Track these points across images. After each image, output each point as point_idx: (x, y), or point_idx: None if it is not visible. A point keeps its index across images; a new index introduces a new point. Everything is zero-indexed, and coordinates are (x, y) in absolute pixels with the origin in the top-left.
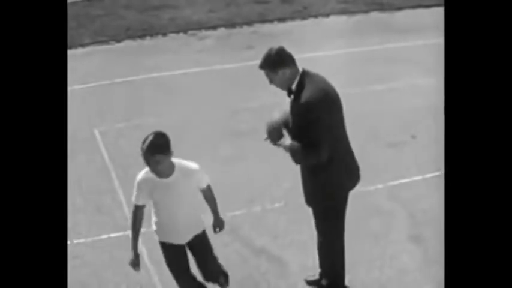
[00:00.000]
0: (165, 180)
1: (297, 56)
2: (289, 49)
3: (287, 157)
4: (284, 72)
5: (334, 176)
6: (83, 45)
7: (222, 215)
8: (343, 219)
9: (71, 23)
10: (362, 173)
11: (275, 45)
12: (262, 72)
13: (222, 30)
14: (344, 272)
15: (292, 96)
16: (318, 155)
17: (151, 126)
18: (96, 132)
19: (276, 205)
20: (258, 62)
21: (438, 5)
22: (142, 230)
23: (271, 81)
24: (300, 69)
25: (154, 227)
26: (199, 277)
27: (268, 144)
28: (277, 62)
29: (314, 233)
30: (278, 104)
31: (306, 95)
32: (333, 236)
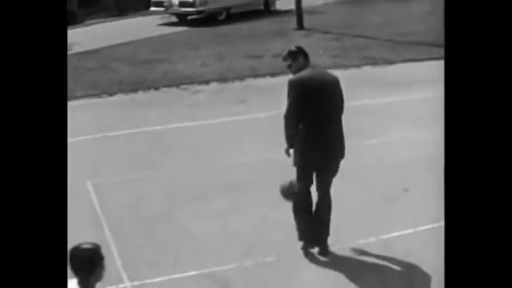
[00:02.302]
0: None
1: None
2: (280, 103)
3: (278, 209)
4: (299, 60)
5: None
6: (75, 98)
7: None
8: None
9: None
10: (355, 225)
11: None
12: (254, 127)
13: (214, 85)
14: None
15: None
16: (286, 128)
17: (144, 180)
18: (89, 185)
19: (269, 259)
20: (250, 116)
21: (430, 59)
22: None
23: (289, 67)
24: (310, 63)
25: None
26: None
27: (260, 198)
28: (296, 53)
29: None
30: (271, 159)
31: (293, 76)
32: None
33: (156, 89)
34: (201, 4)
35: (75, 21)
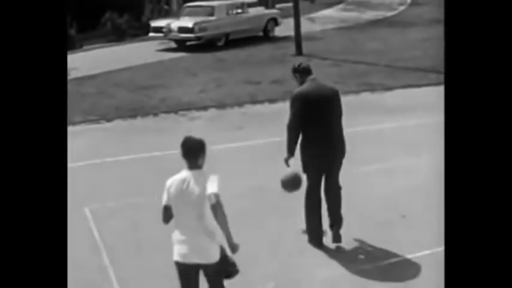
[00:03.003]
0: None
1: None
2: (278, 130)
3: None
4: (303, 74)
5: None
6: (73, 124)
7: None
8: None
9: None
10: (353, 251)
11: (304, 62)
12: (253, 153)
13: (212, 111)
14: None
15: None
16: (288, 136)
17: (142, 206)
18: (87, 211)
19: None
20: (248, 142)
21: (428, 85)
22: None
23: (296, 78)
24: (312, 76)
25: None
26: None
27: (256, 226)
28: (302, 70)
29: None
30: (270, 185)
31: (296, 89)
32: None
33: (155, 115)
34: (200, 30)
35: (73, 46)
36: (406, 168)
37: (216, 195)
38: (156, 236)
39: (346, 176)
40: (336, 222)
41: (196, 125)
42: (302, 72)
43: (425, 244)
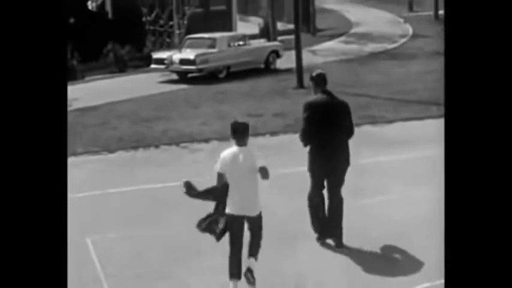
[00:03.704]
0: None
1: (287, 170)
2: (280, 162)
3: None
4: (319, 86)
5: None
6: (75, 155)
7: None
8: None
9: None
10: (355, 284)
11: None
12: None
13: (214, 143)
14: None
15: None
16: (301, 139)
17: (143, 237)
18: (89, 242)
19: None
20: None
21: (429, 117)
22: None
23: (312, 88)
24: (326, 87)
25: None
26: None
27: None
28: (316, 78)
29: None
30: (270, 215)
31: (309, 98)
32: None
33: (156, 146)
34: (202, 62)
35: (75, 77)
36: (407, 200)
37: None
38: (157, 266)
39: (346, 207)
40: (336, 233)
41: (198, 157)
42: (317, 81)
43: (425, 276)
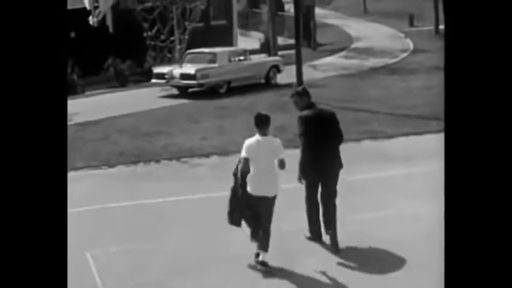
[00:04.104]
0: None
1: (289, 185)
2: (281, 178)
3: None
4: (304, 100)
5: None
6: (75, 169)
7: None
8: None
9: None
10: None
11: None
12: None
13: (214, 158)
14: None
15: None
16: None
17: (143, 252)
18: (89, 256)
19: None
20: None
21: (429, 132)
22: None
23: (296, 104)
24: (311, 100)
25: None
26: None
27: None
28: (302, 94)
29: None
30: (271, 232)
31: (301, 113)
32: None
33: (157, 161)
34: (202, 77)
35: (75, 91)
36: (407, 216)
37: (283, 158)
38: (157, 280)
39: (346, 222)
40: (330, 227)
41: (198, 172)
42: (301, 94)
43: None
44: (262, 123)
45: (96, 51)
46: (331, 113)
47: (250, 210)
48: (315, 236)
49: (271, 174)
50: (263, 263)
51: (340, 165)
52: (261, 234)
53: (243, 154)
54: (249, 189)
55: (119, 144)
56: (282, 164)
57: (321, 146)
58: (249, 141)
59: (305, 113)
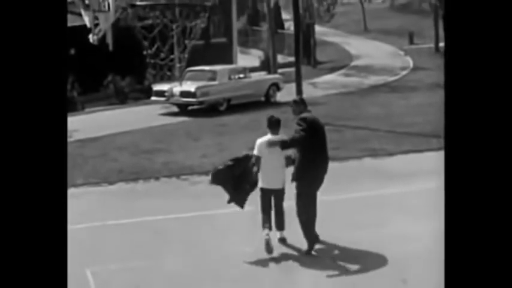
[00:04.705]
0: None
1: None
2: None
3: None
4: (300, 107)
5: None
6: (75, 186)
7: None
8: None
9: None
10: None
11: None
12: (254, 219)
13: None
14: None
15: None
16: (292, 142)
17: (143, 269)
18: (88, 273)
19: None
20: (250, 207)
21: (429, 150)
22: None
23: (294, 111)
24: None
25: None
26: None
27: None
28: (299, 102)
29: None
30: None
31: (302, 115)
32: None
33: (157, 178)
34: (202, 95)
35: (75, 108)
36: (407, 233)
37: (290, 155)
38: None
39: (345, 240)
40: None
41: (198, 190)
42: (298, 102)
43: None
44: (273, 124)
45: (96, 68)
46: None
47: (264, 201)
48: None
49: (281, 169)
50: (282, 239)
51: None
52: (275, 217)
53: (255, 152)
54: (260, 183)
55: (119, 162)
56: (289, 162)
57: (319, 155)
58: (260, 141)
59: (306, 115)
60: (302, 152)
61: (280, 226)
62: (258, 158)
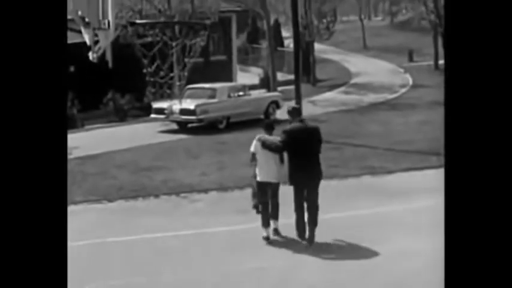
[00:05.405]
0: None
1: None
2: (280, 214)
3: None
4: (294, 116)
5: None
6: (75, 203)
7: None
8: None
9: None
10: None
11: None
12: (254, 237)
13: (213, 194)
14: None
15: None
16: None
17: (142, 286)
18: None
19: None
20: (250, 225)
21: (428, 168)
22: None
23: (289, 120)
24: (301, 117)
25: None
26: None
27: None
28: (292, 112)
29: None
30: (270, 268)
31: (285, 128)
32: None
33: (156, 196)
34: (202, 112)
35: (75, 125)
36: (407, 251)
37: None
38: None
39: (345, 258)
40: (312, 223)
41: (197, 208)
42: (292, 113)
43: None
44: (268, 127)
45: (96, 86)
46: (314, 127)
47: (261, 195)
48: (300, 232)
49: (274, 165)
50: (276, 230)
51: (320, 175)
52: (271, 209)
53: (251, 149)
54: (257, 177)
55: (119, 179)
56: (282, 157)
57: (302, 160)
58: (256, 138)
59: (288, 126)
60: (289, 158)
61: (275, 216)
62: (253, 154)
